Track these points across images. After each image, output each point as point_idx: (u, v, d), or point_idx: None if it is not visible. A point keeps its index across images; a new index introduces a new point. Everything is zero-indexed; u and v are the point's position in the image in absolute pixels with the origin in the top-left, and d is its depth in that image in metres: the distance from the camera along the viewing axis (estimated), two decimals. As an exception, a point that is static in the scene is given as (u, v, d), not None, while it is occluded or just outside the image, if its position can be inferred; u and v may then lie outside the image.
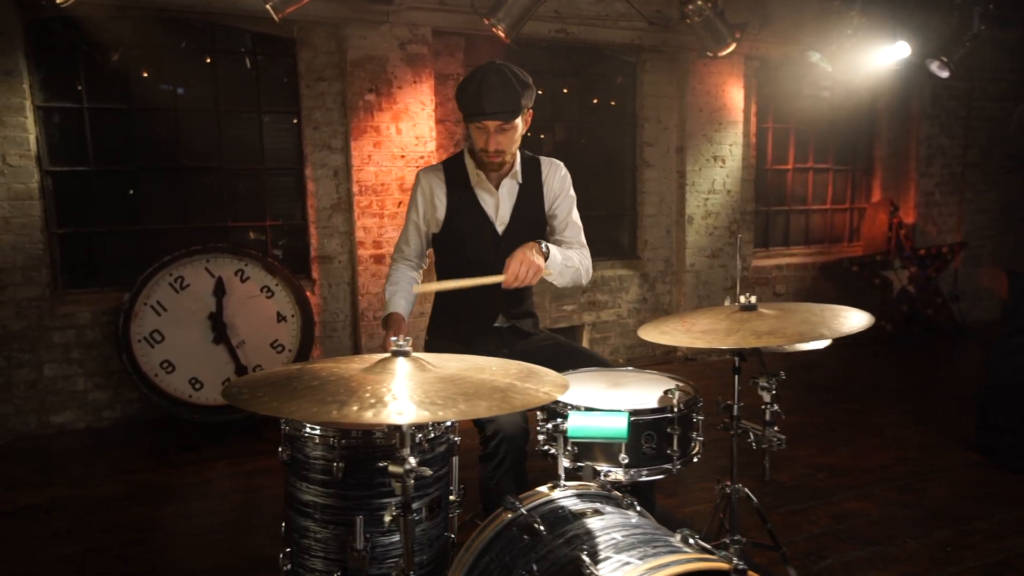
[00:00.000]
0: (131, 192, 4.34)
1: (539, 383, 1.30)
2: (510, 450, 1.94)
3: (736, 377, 2.06)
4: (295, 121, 4.56)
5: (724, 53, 4.88)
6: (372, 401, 1.22)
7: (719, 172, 5.65)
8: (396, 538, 1.64)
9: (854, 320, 1.57)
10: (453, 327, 2.37)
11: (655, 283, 5.72)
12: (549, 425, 1.69)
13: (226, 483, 3.39)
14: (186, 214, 4.43)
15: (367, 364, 1.40)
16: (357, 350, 4.75)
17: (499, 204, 2.32)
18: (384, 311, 2.31)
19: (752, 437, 1.99)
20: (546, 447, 1.87)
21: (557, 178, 2.40)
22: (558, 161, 2.44)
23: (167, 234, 4.38)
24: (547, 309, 5.31)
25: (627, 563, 1.31)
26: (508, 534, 1.55)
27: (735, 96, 5.60)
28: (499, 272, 2.08)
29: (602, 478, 1.77)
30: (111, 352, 4.17)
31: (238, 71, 4.49)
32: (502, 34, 4.25)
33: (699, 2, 4.50)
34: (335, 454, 1.58)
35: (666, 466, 1.80)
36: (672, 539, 1.43)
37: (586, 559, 1.32)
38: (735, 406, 2.06)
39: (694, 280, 5.68)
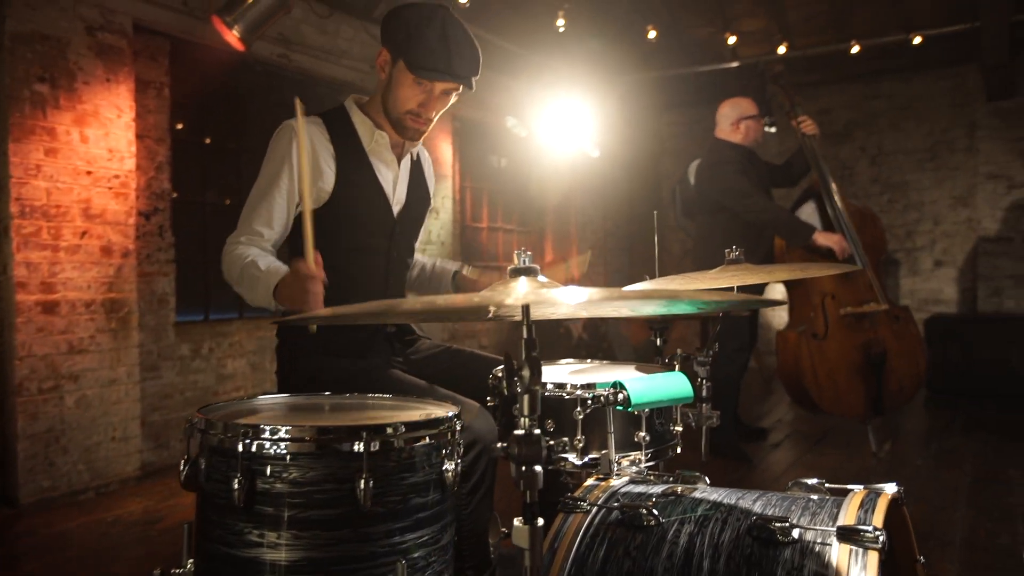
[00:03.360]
0: None
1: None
2: (489, 464, 1.48)
3: (662, 353, 1.96)
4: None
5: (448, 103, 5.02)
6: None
7: (435, 223, 5.68)
8: (432, 589, 1.09)
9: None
10: (340, 340, 1.74)
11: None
12: (601, 397, 1.34)
13: None
14: None
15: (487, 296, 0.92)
16: (7, 440, 3.29)
17: (397, 181, 1.88)
18: (255, 288, 1.57)
19: (692, 416, 1.91)
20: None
21: (431, 167, 2.10)
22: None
23: None
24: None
25: (815, 514, 1.08)
26: (597, 537, 1.16)
27: (445, 151, 5.77)
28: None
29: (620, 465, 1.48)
30: None
31: None
32: (236, 36, 3.66)
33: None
34: (357, 467, 0.98)
35: (672, 443, 1.59)
36: (798, 493, 1.24)
37: (775, 524, 1.05)
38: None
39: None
